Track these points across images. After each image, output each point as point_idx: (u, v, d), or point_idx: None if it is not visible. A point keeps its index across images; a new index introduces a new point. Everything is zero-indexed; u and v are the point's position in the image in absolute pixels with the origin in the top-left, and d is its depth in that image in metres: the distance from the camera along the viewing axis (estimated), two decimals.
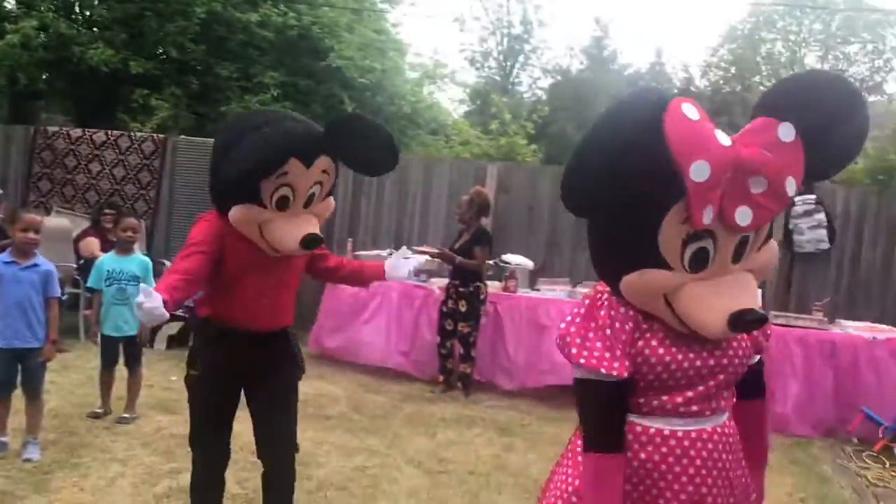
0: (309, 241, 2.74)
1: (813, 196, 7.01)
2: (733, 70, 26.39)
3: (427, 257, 6.57)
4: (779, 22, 37.21)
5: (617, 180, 1.69)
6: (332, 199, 2.93)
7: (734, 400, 1.98)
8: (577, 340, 1.84)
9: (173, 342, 7.14)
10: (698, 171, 1.63)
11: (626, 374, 1.81)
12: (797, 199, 7.03)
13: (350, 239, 7.68)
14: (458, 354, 6.41)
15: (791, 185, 1.72)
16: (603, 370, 1.80)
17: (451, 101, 26.61)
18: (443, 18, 41.56)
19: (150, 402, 5.37)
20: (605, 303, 1.88)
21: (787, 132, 1.69)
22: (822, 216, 6.98)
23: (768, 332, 2.04)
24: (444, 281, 6.56)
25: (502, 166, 7.99)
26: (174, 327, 7.18)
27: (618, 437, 1.85)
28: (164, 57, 11.56)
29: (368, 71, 11.59)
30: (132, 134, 8.93)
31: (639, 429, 1.88)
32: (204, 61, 11.41)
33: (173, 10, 11.15)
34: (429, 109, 12.54)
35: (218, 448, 3.15)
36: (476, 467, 4.69)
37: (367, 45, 12.00)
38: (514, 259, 7.15)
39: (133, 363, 5.07)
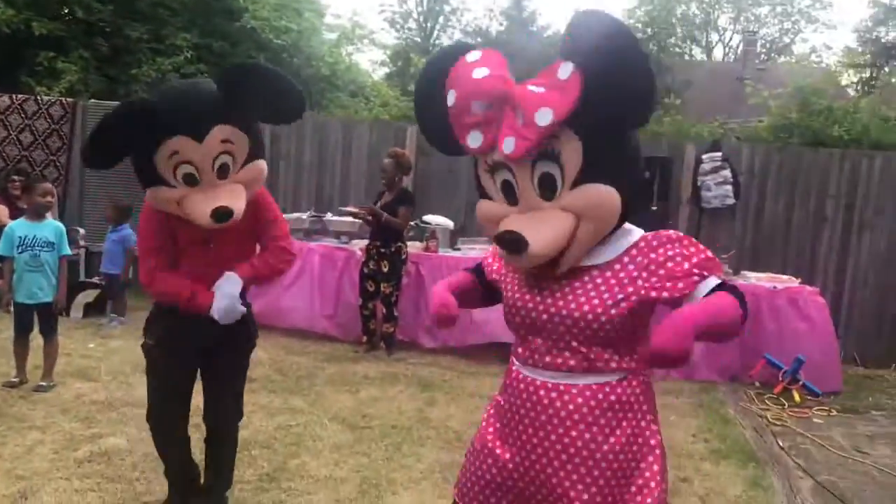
0: (218, 215, 2.67)
1: (719, 153, 7.30)
2: (649, 31, 26.78)
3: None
4: None
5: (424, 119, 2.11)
6: (260, 162, 2.84)
7: (626, 366, 1.94)
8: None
9: (90, 310, 7.04)
10: (449, 98, 1.93)
11: (489, 271, 2.28)
12: (704, 156, 7.32)
13: None
14: (380, 314, 6.50)
15: (543, 116, 1.78)
16: (482, 261, 2.34)
17: (371, 63, 26.44)
18: None
19: (68, 370, 5.32)
20: None
21: (563, 70, 1.81)
22: (727, 173, 7.27)
23: (673, 294, 1.84)
24: (364, 242, 6.60)
25: None
26: (91, 295, 7.07)
27: (469, 273, 2.35)
28: (70, 17, 11.10)
29: (284, 32, 11.41)
30: (39, 98, 8.62)
31: (515, 372, 2.07)
32: (113, 22, 11.01)
33: None
34: (347, 71, 12.43)
35: (171, 419, 3.12)
36: (399, 421, 4.82)
37: (283, 6, 11.80)
38: (434, 219, 7.26)
39: (48, 330, 4.99)
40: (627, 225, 1.95)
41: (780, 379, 5.99)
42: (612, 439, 1.91)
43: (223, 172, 2.72)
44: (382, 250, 6.32)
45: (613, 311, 1.87)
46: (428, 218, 7.26)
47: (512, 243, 1.83)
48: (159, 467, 3.79)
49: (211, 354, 3.06)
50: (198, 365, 3.11)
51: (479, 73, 1.88)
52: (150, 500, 3.46)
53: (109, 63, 11.08)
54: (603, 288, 1.88)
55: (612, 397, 1.92)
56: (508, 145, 1.84)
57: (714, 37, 39.36)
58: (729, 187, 7.29)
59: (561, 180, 1.85)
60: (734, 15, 38.71)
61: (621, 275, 1.89)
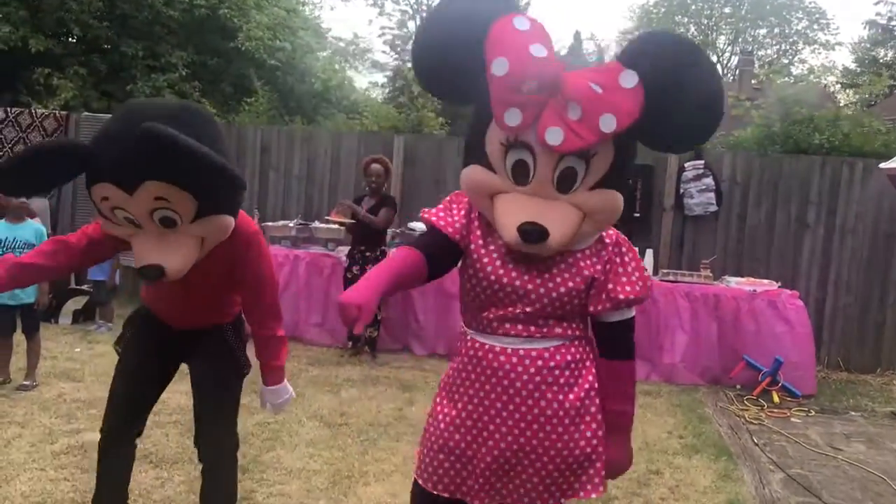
0: (145, 274, 2.43)
1: (702, 161, 7.37)
2: None
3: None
4: (692, 6, 38.41)
5: (438, 63, 1.96)
6: (220, 218, 2.46)
7: (575, 333, 2.08)
8: (434, 209, 2.14)
9: (79, 316, 7.10)
10: (498, 66, 1.81)
11: (450, 231, 2.06)
12: (687, 164, 7.39)
13: (256, 210, 7.71)
14: None
15: (607, 122, 1.80)
16: (434, 222, 2.09)
17: (372, 84, 26.61)
18: (362, 1, 41.40)
19: (53, 372, 5.39)
20: (461, 195, 2.15)
21: (627, 79, 1.82)
22: (710, 180, 7.34)
23: (631, 296, 2.04)
24: (347, 248, 6.67)
25: (409, 137, 8.14)
26: (79, 302, 7.14)
27: (419, 247, 2.05)
28: (67, 35, 11.29)
29: (278, 50, 11.57)
30: (33, 111, 8.76)
31: (471, 341, 2.10)
32: (109, 39, 11.20)
33: None
34: (340, 88, 12.57)
35: (119, 435, 2.84)
36: (377, 419, 4.87)
37: (277, 25, 11.96)
38: (420, 227, 7.33)
39: (31, 330, 5.06)
40: None
41: (760, 380, 6.02)
42: (571, 396, 2.04)
43: (168, 224, 2.38)
44: (367, 254, 6.40)
45: (580, 291, 2.03)
46: (413, 225, 7.34)
47: (536, 234, 1.87)
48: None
49: (192, 379, 2.89)
50: (160, 374, 2.90)
51: (538, 51, 1.82)
52: None
53: (106, 79, 11.26)
54: (574, 270, 2.02)
55: (568, 357, 2.05)
56: (554, 136, 1.82)
57: (713, 58, 39.76)
58: (711, 194, 7.36)
59: (582, 179, 1.91)
60: (732, 37, 39.06)
61: (590, 261, 2.04)
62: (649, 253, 7.02)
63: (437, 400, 2.20)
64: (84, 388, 5.08)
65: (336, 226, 6.87)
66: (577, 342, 2.09)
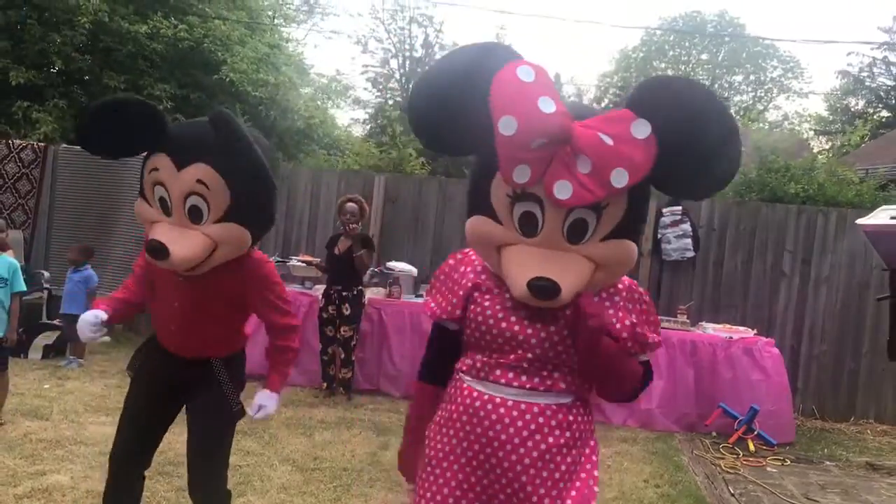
0: (149, 248, 2.47)
1: (679, 207, 7.43)
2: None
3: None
4: (670, 52, 39.10)
5: (440, 119, 1.86)
6: (239, 228, 2.54)
7: (578, 389, 1.98)
8: (432, 288, 2.14)
9: (50, 351, 6.97)
10: (505, 125, 1.72)
11: (444, 317, 2.04)
12: (665, 210, 7.45)
13: None
14: (339, 360, 6.49)
15: (619, 177, 1.73)
16: (428, 311, 2.08)
17: (353, 121, 26.70)
18: (346, 39, 41.64)
19: (20, 409, 5.26)
20: (461, 258, 2.11)
21: (640, 129, 1.74)
22: (687, 226, 7.40)
23: (656, 340, 2.01)
24: (323, 287, 6.61)
25: (390, 177, 8.15)
26: (50, 337, 7.01)
27: (433, 372, 2.13)
28: (49, 67, 11.23)
29: (262, 84, 11.56)
30: (10, 142, 8.67)
31: (467, 389, 2.01)
32: (91, 71, 11.15)
33: (58, 20, 10.89)
34: (322, 125, 12.54)
35: (121, 454, 2.86)
36: (350, 464, 4.79)
37: (261, 60, 11.98)
38: (397, 266, 7.31)
39: None
40: None
41: (735, 428, 6.01)
42: (569, 458, 1.96)
43: (194, 217, 2.49)
44: (344, 293, 6.34)
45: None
46: (391, 264, 7.32)
47: (547, 291, 1.79)
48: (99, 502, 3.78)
49: (188, 417, 2.87)
50: (168, 406, 2.90)
51: (547, 106, 1.73)
52: None
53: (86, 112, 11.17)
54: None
55: (570, 418, 1.97)
56: (563, 191, 1.75)
57: None
58: (688, 240, 7.42)
59: (594, 230, 1.84)
60: (709, 82, 39.70)
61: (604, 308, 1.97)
62: None
63: (431, 464, 2.05)
64: (52, 426, 4.96)
65: (305, 265, 6.85)
66: (580, 405, 2.00)
